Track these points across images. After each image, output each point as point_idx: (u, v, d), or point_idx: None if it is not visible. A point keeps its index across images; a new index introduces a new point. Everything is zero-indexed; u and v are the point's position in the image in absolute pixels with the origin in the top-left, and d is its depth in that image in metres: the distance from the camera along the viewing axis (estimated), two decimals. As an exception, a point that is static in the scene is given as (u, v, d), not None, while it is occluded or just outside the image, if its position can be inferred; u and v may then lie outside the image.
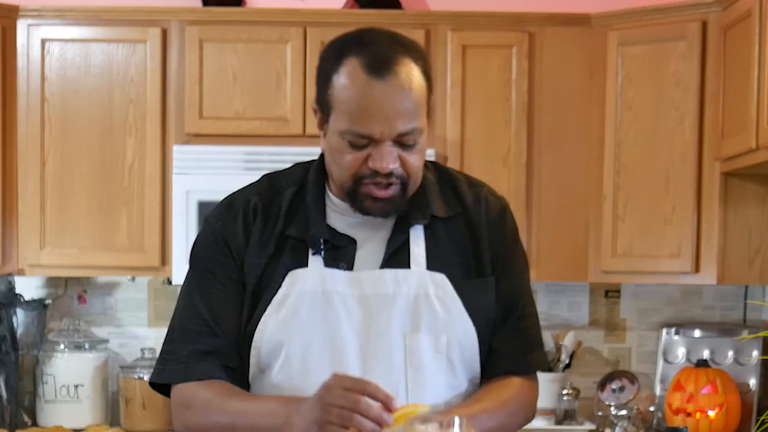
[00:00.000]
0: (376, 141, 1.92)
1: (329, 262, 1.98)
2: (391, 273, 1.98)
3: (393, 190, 1.96)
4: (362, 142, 1.93)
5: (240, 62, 4.04)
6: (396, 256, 2.00)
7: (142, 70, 4.05)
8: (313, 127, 4.02)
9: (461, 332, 1.98)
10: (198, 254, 2.07)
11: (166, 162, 4.05)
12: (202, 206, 3.97)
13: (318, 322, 1.96)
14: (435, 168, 2.12)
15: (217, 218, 2.06)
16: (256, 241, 2.01)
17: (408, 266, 1.99)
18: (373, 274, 1.98)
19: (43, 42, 4.05)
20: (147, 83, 4.04)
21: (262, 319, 1.98)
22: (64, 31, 4.06)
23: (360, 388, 1.78)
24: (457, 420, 1.76)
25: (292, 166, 2.13)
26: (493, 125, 4.05)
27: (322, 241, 1.99)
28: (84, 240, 4.06)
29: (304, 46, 4.02)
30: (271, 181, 2.10)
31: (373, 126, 1.91)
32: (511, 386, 2.03)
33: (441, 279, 1.99)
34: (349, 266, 1.99)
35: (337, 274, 1.98)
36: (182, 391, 2.01)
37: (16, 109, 4.04)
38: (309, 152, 3.87)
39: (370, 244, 2.01)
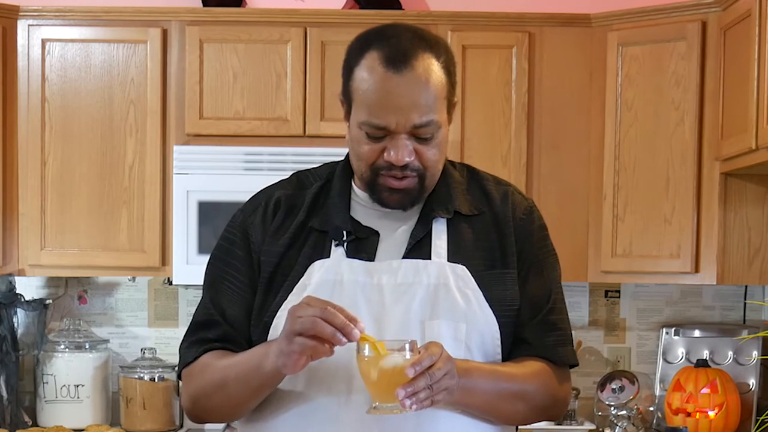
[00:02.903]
0: (392, 133, 1.96)
1: (351, 254, 2.01)
2: (411, 263, 2.00)
3: (409, 183, 1.99)
4: (379, 133, 1.96)
5: (240, 62, 4.04)
6: (418, 248, 2.02)
7: (142, 70, 4.05)
8: (313, 127, 4.02)
9: (481, 321, 1.99)
10: (217, 246, 2.12)
11: (166, 162, 4.05)
12: (202, 206, 3.97)
13: None
14: (465, 168, 2.16)
15: (241, 211, 2.12)
16: (275, 230, 2.05)
17: (429, 258, 2.01)
18: (392, 264, 2.00)
19: (44, 42, 4.05)
20: (147, 83, 4.05)
21: (282, 307, 2.00)
22: (64, 32, 4.06)
23: (325, 302, 1.82)
24: (407, 345, 1.81)
25: (322, 165, 2.16)
26: (493, 125, 4.05)
27: (345, 232, 2.02)
28: (84, 240, 4.06)
29: (304, 46, 4.03)
30: (298, 177, 2.14)
31: (388, 118, 1.94)
32: (539, 365, 2.03)
33: (462, 270, 2.01)
34: (371, 258, 2.01)
35: (357, 264, 2.00)
36: (186, 368, 2.07)
37: (17, 109, 4.05)
38: (309, 152, 3.92)
39: (393, 236, 2.04)
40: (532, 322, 2.05)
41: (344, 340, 1.80)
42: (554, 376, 2.05)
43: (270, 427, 2.00)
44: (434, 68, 1.96)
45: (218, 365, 2.00)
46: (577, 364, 2.13)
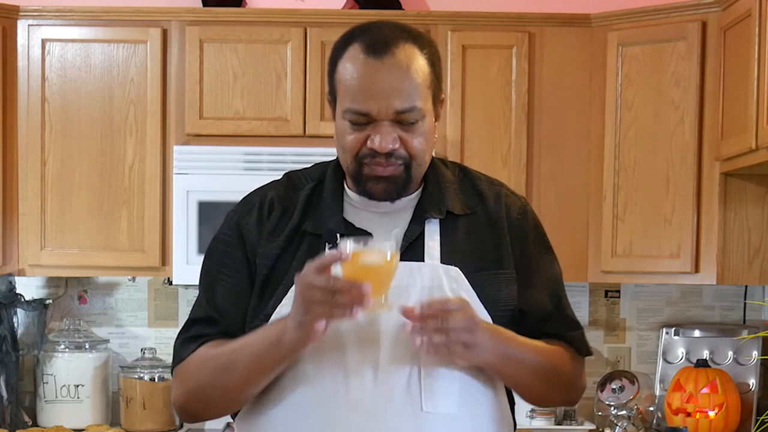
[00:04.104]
0: (375, 120, 1.95)
1: None
2: (405, 265, 1.98)
3: (395, 170, 1.99)
4: (361, 119, 1.96)
5: (240, 62, 4.04)
6: (411, 250, 2.01)
7: (142, 70, 4.05)
8: (313, 127, 4.02)
9: None
10: (212, 248, 2.11)
11: (166, 162, 4.05)
12: (202, 206, 3.97)
13: None
14: (456, 167, 2.16)
15: (235, 212, 2.11)
16: (269, 232, 2.04)
17: (422, 260, 2.01)
18: None
19: (44, 42, 4.05)
20: (147, 83, 4.05)
21: (277, 310, 1.99)
22: (64, 32, 4.06)
23: (324, 265, 1.81)
24: (387, 244, 1.84)
25: (313, 165, 2.16)
26: (493, 125, 4.05)
27: (338, 235, 2.01)
28: (84, 240, 4.06)
29: (304, 46, 4.03)
30: (290, 178, 2.14)
31: (369, 103, 1.95)
32: (558, 346, 2.08)
33: (455, 272, 2.00)
34: None
35: None
36: (182, 364, 2.06)
37: (17, 109, 4.05)
38: (309, 152, 3.91)
39: (386, 238, 2.02)
40: (552, 321, 2.09)
41: (359, 311, 1.80)
42: (575, 358, 2.11)
43: (267, 421, 2.00)
44: (416, 57, 1.97)
45: (224, 350, 1.99)
46: (591, 354, 2.19)
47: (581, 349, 2.12)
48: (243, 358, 1.95)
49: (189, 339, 2.07)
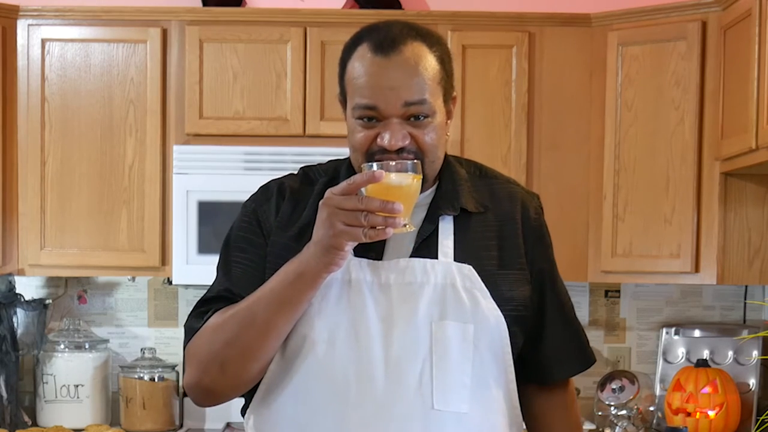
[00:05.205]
0: (384, 116, 1.94)
1: (359, 252, 1.98)
2: (419, 262, 1.99)
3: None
4: (370, 113, 1.95)
5: (240, 62, 4.04)
6: (425, 247, 2.01)
7: (142, 70, 4.05)
8: (313, 127, 4.02)
9: (489, 323, 1.99)
10: (231, 236, 2.09)
11: (166, 162, 4.05)
12: (202, 206, 3.97)
13: (344, 308, 1.96)
14: (472, 165, 2.16)
15: (253, 200, 2.11)
16: (282, 222, 2.04)
17: (436, 257, 2.00)
18: (400, 263, 1.99)
19: (44, 42, 4.05)
20: (147, 83, 4.05)
21: None
22: (64, 31, 4.06)
23: (353, 188, 1.81)
24: (409, 164, 1.83)
25: (328, 161, 2.16)
26: (493, 125, 4.05)
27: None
28: (84, 240, 4.06)
29: (304, 46, 4.03)
30: (305, 171, 2.14)
31: (377, 97, 1.94)
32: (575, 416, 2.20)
33: (468, 270, 2.00)
34: (378, 256, 2.00)
35: (365, 263, 1.99)
36: (191, 341, 2.01)
37: (17, 109, 4.05)
38: (309, 152, 3.91)
39: (400, 235, 2.00)
40: (569, 329, 2.15)
41: (391, 231, 1.80)
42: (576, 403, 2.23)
43: (276, 414, 1.99)
44: (425, 55, 1.96)
45: (238, 308, 1.94)
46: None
47: (589, 362, 2.18)
48: (262, 306, 1.91)
49: (200, 313, 2.02)
